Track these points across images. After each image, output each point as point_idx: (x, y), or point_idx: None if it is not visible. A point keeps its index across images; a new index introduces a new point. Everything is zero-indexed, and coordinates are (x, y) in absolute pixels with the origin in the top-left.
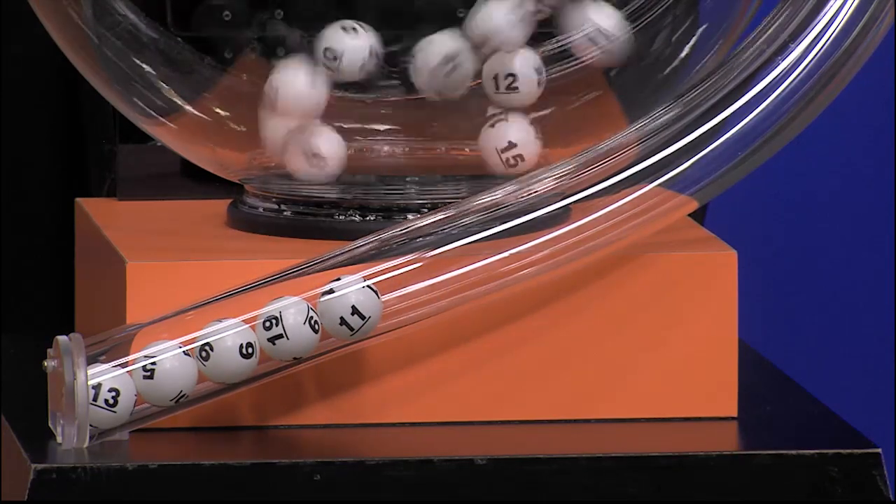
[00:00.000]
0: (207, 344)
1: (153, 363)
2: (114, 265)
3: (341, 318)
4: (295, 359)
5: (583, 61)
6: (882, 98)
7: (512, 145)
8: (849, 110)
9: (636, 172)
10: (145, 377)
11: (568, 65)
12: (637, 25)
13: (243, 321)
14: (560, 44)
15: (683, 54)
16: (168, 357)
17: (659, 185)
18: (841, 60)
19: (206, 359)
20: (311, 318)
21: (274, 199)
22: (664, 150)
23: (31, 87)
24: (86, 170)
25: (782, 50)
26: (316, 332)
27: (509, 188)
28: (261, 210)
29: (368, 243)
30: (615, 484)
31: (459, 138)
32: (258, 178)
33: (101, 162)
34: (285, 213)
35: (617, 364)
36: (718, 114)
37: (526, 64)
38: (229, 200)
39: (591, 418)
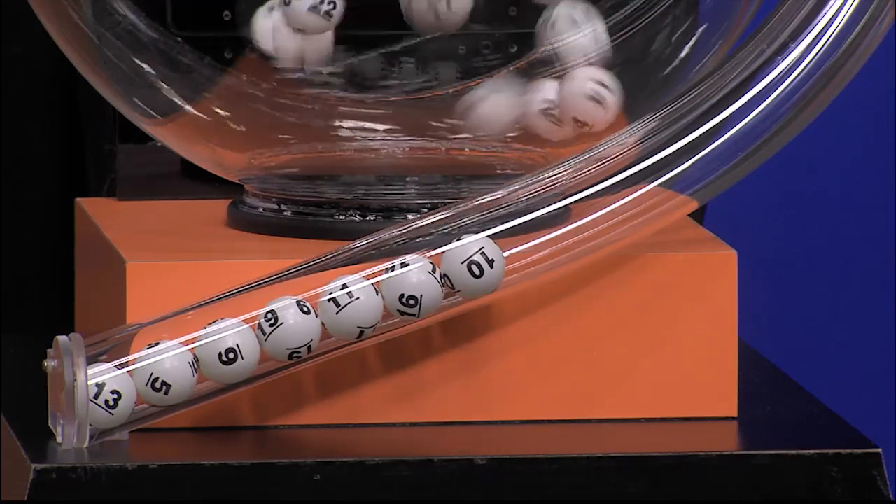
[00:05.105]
0: (195, 357)
1: (157, 378)
2: (114, 265)
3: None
4: (291, 353)
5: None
6: (882, 98)
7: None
8: (849, 110)
9: (636, 172)
10: (156, 390)
11: (568, 64)
12: (637, 25)
13: (243, 321)
14: (560, 43)
15: (683, 54)
16: (168, 357)
17: (659, 185)
18: (841, 60)
19: (197, 369)
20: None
21: (274, 199)
22: (664, 150)
23: (31, 87)
24: (86, 170)
25: (782, 50)
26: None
27: (509, 188)
28: (261, 210)
29: (368, 243)
30: (615, 484)
31: (459, 138)
32: (258, 178)
33: (101, 162)
34: (285, 213)
35: (617, 364)
36: (718, 114)
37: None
38: (229, 200)
39: (591, 418)
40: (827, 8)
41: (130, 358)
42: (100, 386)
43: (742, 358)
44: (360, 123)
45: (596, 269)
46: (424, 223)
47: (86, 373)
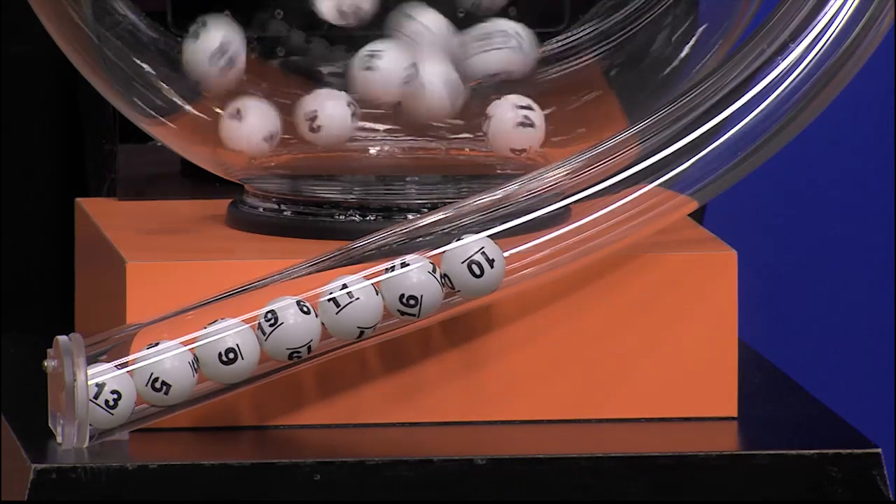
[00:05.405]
0: (195, 357)
1: (157, 378)
2: (114, 265)
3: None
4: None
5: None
6: (882, 98)
7: None
8: (849, 110)
9: (636, 172)
10: (156, 390)
11: (568, 64)
12: (637, 25)
13: (243, 321)
14: (560, 43)
15: (683, 54)
16: (168, 357)
17: (659, 185)
18: (841, 60)
19: (197, 369)
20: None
21: (274, 199)
22: (664, 150)
23: (31, 87)
24: (86, 170)
25: (782, 50)
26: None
27: (509, 188)
28: (261, 210)
29: (368, 243)
30: (615, 484)
31: (459, 138)
32: (258, 178)
33: (101, 162)
34: (285, 213)
35: (617, 364)
36: (718, 114)
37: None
38: (229, 200)
39: (591, 418)
40: (827, 8)
41: (130, 358)
42: (100, 386)
43: (742, 358)
44: (360, 123)
45: (596, 269)
46: (424, 223)
47: (86, 373)
